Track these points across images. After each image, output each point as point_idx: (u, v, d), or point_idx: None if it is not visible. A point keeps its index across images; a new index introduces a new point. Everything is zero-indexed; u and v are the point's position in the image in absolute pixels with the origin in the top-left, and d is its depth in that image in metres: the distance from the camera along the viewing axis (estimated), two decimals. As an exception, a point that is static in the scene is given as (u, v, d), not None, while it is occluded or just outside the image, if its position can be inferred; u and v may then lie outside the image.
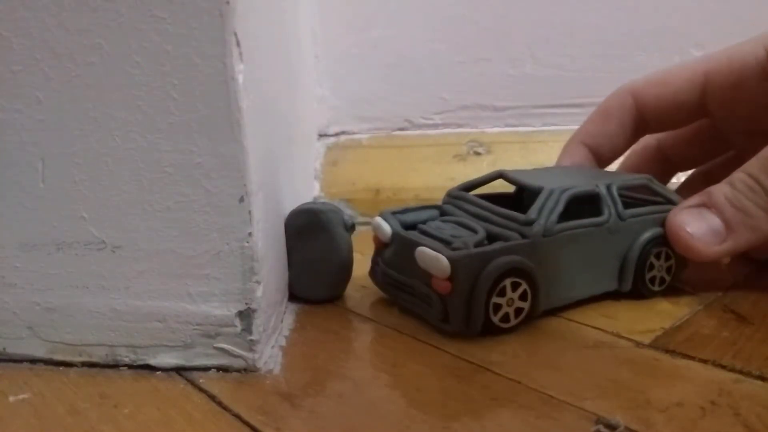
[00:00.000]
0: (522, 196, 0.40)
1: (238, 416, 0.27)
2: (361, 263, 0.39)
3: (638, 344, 0.31)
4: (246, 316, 0.30)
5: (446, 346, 0.32)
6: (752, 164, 0.34)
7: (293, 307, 0.38)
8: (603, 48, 0.57)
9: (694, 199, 0.36)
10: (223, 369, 0.31)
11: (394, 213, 0.37)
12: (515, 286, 0.32)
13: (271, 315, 0.32)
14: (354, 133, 0.62)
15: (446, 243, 0.32)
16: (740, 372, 0.29)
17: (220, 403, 0.28)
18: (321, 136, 0.62)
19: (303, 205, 0.38)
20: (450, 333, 0.33)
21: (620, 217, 0.35)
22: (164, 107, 0.28)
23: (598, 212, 0.35)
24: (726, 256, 0.36)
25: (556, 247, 0.33)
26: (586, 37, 0.57)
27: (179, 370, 0.31)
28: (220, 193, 0.28)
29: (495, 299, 0.31)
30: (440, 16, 0.59)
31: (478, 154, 0.58)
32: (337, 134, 0.62)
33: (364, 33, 0.60)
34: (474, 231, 0.34)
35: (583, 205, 0.35)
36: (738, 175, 0.35)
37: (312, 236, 0.37)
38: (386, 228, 0.36)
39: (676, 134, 0.44)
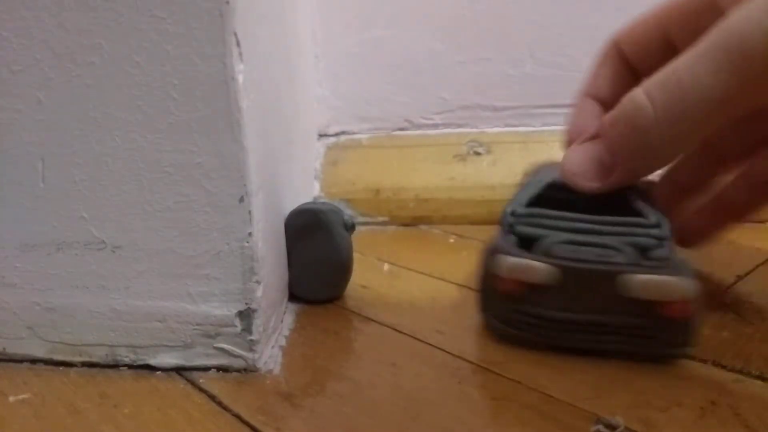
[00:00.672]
0: (573, 200, 0.33)
1: (238, 416, 0.27)
2: (361, 263, 0.39)
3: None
4: (246, 316, 0.30)
5: (446, 346, 0.32)
6: (650, 83, 0.29)
7: (293, 307, 0.38)
8: (603, 48, 0.57)
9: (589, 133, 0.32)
10: (223, 369, 0.31)
11: (503, 250, 0.30)
12: None
13: (271, 315, 0.32)
14: (354, 133, 0.62)
15: (634, 264, 0.28)
16: (740, 372, 0.29)
17: (220, 403, 0.28)
18: (321, 136, 0.62)
19: (303, 205, 0.38)
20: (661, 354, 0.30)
21: None
22: (164, 107, 0.28)
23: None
24: (616, 186, 0.31)
25: None
26: (586, 37, 0.57)
27: (179, 370, 0.31)
28: (220, 193, 0.28)
29: None
30: (440, 16, 0.58)
31: (478, 154, 0.58)
32: (337, 134, 0.62)
33: (364, 33, 0.60)
34: (602, 246, 0.29)
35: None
36: (631, 96, 0.30)
37: (312, 236, 0.37)
38: (541, 266, 0.28)
39: None
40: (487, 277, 0.31)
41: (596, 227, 0.30)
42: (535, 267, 0.28)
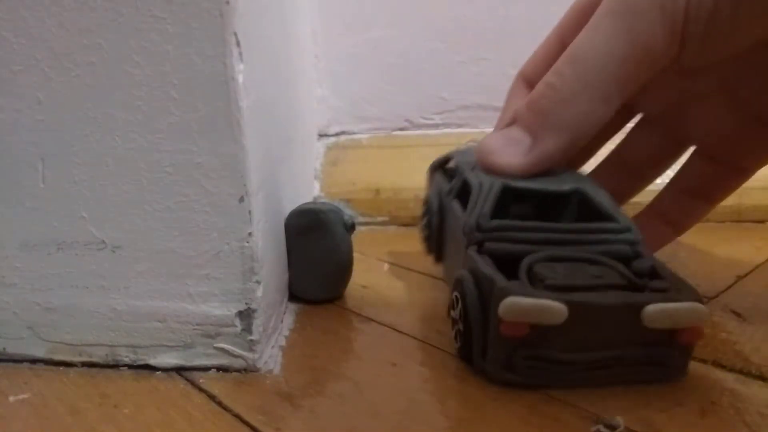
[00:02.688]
0: (525, 208, 0.32)
1: (238, 416, 0.27)
2: (361, 263, 0.39)
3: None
4: (246, 316, 0.30)
5: (446, 346, 0.32)
6: (558, 61, 0.29)
7: (293, 307, 0.38)
8: (603, 48, 0.57)
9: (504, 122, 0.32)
10: (223, 369, 0.31)
11: (510, 290, 0.26)
12: None
13: (271, 315, 0.32)
14: (354, 133, 0.62)
15: (634, 287, 0.27)
16: (740, 372, 0.29)
17: (220, 403, 0.28)
18: (321, 136, 0.62)
19: (303, 205, 0.38)
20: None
21: None
22: (164, 107, 0.28)
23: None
24: (537, 166, 0.30)
25: None
26: (586, 37, 0.57)
27: (179, 370, 0.31)
28: (220, 193, 0.28)
29: None
30: (440, 16, 0.58)
31: (478, 154, 0.58)
32: (337, 134, 0.62)
33: (364, 33, 0.60)
34: (595, 262, 0.27)
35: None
36: (543, 79, 0.30)
37: (312, 236, 0.37)
38: (558, 306, 0.25)
39: None
40: (483, 321, 0.27)
41: (568, 237, 0.28)
42: (552, 308, 0.25)
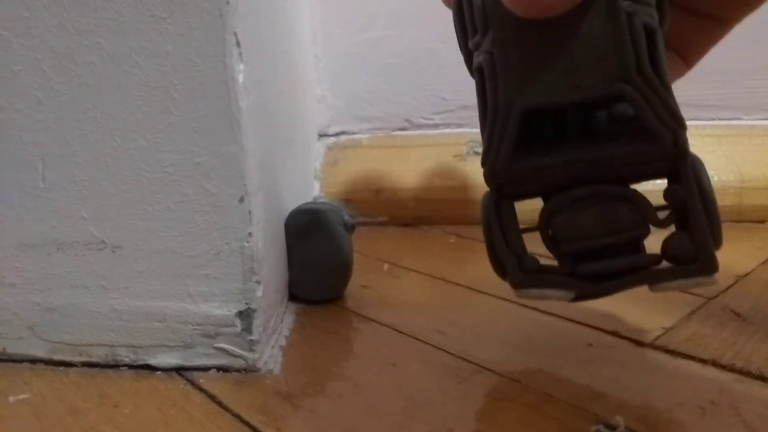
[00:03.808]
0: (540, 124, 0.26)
1: (238, 416, 0.27)
2: (361, 263, 0.39)
3: (638, 344, 0.31)
4: (246, 316, 0.30)
5: (446, 346, 0.32)
6: None
7: (293, 307, 0.38)
8: (603, 48, 0.57)
9: None
10: (223, 369, 0.31)
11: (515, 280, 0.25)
12: None
13: (271, 315, 0.32)
14: (354, 133, 0.62)
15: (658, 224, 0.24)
16: (740, 372, 0.29)
17: (220, 403, 0.28)
18: (321, 136, 0.62)
19: (303, 205, 0.38)
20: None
21: None
22: (164, 107, 0.28)
23: None
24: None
25: None
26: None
27: (179, 370, 0.31)
28: (220, 193, 0.28)
29: None
30: (440, 16, 0.58)
31: (478, 154, 0.58)
32: (337, 134, 0.62)
33: (364, 33, 0.60)
34: (625, 200, 0.24)
35: None
36: None
37: (312, 236, 0.37)
38: (566, 294, 0.24)
39: None
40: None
41: (598, 171, 0.24)
42: (559, 295, 0.24)
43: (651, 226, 0.24)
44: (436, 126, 0.61)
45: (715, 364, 0.29)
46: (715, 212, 0.24)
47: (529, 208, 0.27)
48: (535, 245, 0.25)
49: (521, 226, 0.26)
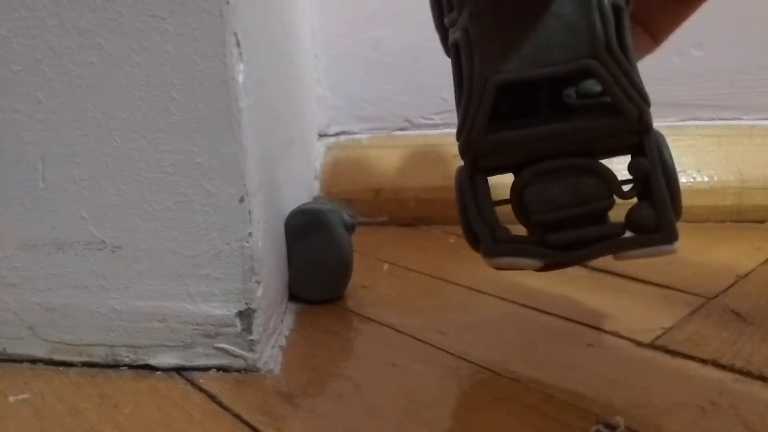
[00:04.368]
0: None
1: (238, 416, 0.27)
2: (361, 263, 0.39)
3: (638, 344, 0.31)
4: (246, 316, 0.30)
5: (446, 346, 0.32)
6: None
7: (293, 307, 0.38)
8: (603, 48, 0.57)
9: None
10: (223, 369, 0.31)
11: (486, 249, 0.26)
12: None
13: (271, 315, 0.32)
14: (354, 133, 0.62)
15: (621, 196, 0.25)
16: (740, 372, 0.29)
17: (220, 403, 0.28)
18: (321, 136, 0.62)
19: (303, 205, 0.38)
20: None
21: None
22: (164, 107, 0.28)
23: None
24: None
25: None
26: (586, 37, 0.57)
27: (179, 370, 0.31)
28: (220, 193, 0.28)
29: None
30: (440, 16, 0.59)
31: (478, 154, 0.58)
32: (337, 134, 0.62)
33: (364, 33, 0.60)
34: (590, 172, 0.25)
35: None
36: None
37: (312, 236, 0.37)
38: (534, 263, 0.26)
39: None
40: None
41: (568, 143, 0.25)
42: (528, 264, 0.25)
43: (616, 198, 0.25)
44: (436, 126, 0.61)
45: (715, 364, 0.29)
46: (676, 184, 0.25)
47: (502, 183, 0.27)
48: (507, 220, 0.26)
49: (494, 200, 0.26)
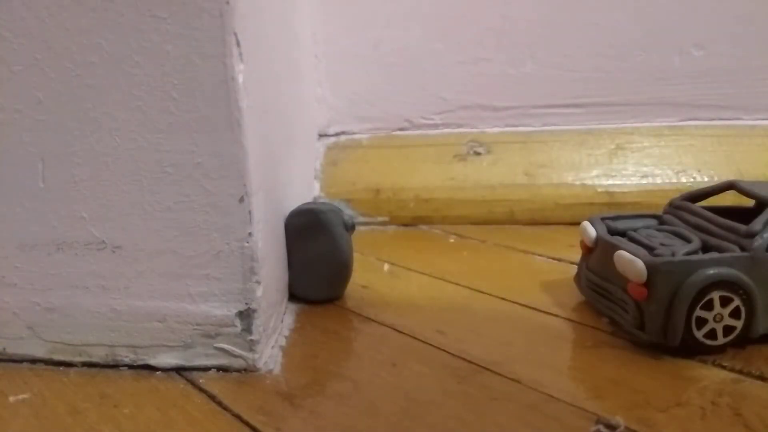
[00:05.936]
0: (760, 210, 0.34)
1: (238, 416, 0.27)
2: (361, 263, 0.39)
3: (638, 344, 0.31)
4: (246, 316, 0.30)
5: (446, 346, 0.32)
6: None
7: (293, 307, 0.38)
8: (602, 48, 0.57)
9: None
10: (223, 369, 0.31)
11: (604, 218, 0.36)
12: (725, 301, 0.29)
13: (271, 315, 0.32)
14: (354, 133, 0.62)
15: (650, 249, 0.31)
16: (740, 372, 0.29)
17: (220, 403, 0.28)
18: (321, 136, 0.62)
19: (303, 205, 0.38)
20: (644, 343, 0.30)
21: None
22: (164, 107, 0.28)
23: None
24: None
25: None
26: (586, 37, 0.57)
27: (179, 370, 0.31)
28: (220, 193, 0.28)
29: (699, 312, 0.29)
30: (440, 16, 0.58)
31: (478, 154, 0.58)
32: (337, 134, 0.62)
33: (364, 33, 0.60)
34: (688, 241, 0.32)
35: None
36: None
37: (312, 236, 0.37)
38: (591, 232, 0.35)
39: None
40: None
41: (710, 227, 0.33)
42: (588, 232, 0.36)
43: None
44: (436, 126, 0.61)
45: (715, 364, 0.29)
46: None
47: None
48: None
49: None
